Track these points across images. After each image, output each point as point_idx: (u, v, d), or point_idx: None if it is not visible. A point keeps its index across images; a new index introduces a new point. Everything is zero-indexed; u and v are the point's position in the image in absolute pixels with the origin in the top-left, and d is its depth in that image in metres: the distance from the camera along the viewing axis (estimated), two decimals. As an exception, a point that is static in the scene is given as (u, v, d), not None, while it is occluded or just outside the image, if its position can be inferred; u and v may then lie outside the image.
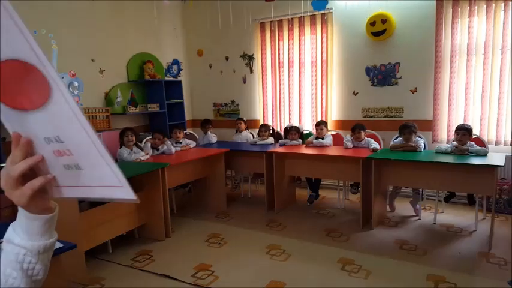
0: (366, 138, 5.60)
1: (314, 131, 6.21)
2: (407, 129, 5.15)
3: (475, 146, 4.79)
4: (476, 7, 5.44)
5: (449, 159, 4.60)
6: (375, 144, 5.37)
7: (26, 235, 0.85)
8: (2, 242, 0.88)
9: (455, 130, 4.92)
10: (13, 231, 0.86)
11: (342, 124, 6.71)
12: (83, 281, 3.84)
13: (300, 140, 6.12)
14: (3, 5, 0.68)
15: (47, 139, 0.79)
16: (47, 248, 0.88)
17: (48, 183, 0.82)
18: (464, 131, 4.80)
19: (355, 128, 5.61)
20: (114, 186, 0.78)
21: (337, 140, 6.00)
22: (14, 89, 0.77)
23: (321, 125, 5.94)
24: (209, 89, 8.14)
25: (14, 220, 0.87)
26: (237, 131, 7.05)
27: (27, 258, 0.85)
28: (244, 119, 7.17)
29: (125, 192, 0.77)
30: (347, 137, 5.65)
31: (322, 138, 5.83)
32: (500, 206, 5.35)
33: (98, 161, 0.76)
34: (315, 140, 5.82)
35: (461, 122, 5.49)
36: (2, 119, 0.83)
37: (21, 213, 0.85)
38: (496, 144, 5.49)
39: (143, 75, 6.98)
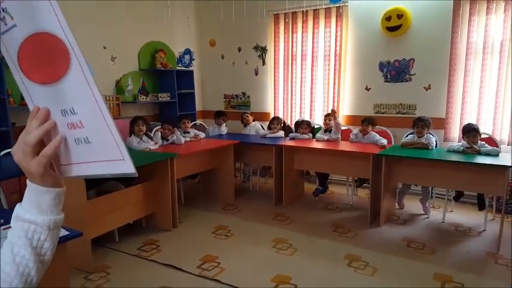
0: (371, 132, 5.59)
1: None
2: (421, 122, 5.16)
3: (487, 146, 4.74)
4: (494, 5, 5.34)
5: (460, 158, 4.55)
6: (384, 141, 5.32)
7: (36, 210, 0.86)
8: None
9: (464, 133, 4.89)
10: (22, 209, 0.87)
11: (353, 119, 6.65)
12: (88, 269, 3.84)
13: (311, 134, 6.08)
14: None
15: (64, 111, 0.82)
16: (57, 223, 0.89)
17: (58, 148, 0.84)
18: (474, 133, 4.78)
19: (364, 121, 5.65)
20: (117, 160, 0.80)
21: (347, 135, 5.94)
22: (39, 63, 0.82)
23: (329, 115, 5.85)
24: (221, 80, 8.12)
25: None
26: (245, 125, 6.96)
27: (36, 235, 0.86)
28: (249, 112, 7.17)
29: (126, 166, 0.79)
30: (355, 131, 5.66)
31: (330, 131, 5.80)
32: (510, 206, 5.29)
33: (105, 131, 0.79)
34: (318, 135, 5.85)
35: (474, 121, 5.45)
36: (24, 94, 0.87)
37: (31, 190, 0.86)
38: (508, 145, 5.41)
39: (155, 64, 6.98)
